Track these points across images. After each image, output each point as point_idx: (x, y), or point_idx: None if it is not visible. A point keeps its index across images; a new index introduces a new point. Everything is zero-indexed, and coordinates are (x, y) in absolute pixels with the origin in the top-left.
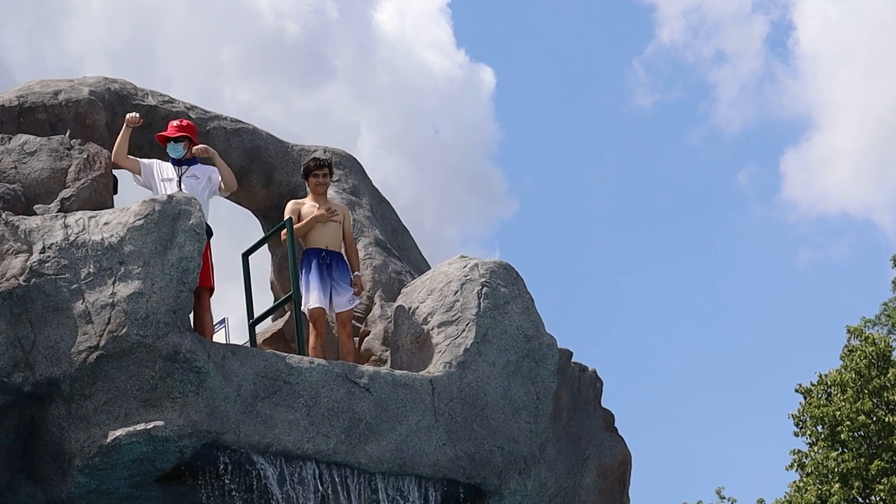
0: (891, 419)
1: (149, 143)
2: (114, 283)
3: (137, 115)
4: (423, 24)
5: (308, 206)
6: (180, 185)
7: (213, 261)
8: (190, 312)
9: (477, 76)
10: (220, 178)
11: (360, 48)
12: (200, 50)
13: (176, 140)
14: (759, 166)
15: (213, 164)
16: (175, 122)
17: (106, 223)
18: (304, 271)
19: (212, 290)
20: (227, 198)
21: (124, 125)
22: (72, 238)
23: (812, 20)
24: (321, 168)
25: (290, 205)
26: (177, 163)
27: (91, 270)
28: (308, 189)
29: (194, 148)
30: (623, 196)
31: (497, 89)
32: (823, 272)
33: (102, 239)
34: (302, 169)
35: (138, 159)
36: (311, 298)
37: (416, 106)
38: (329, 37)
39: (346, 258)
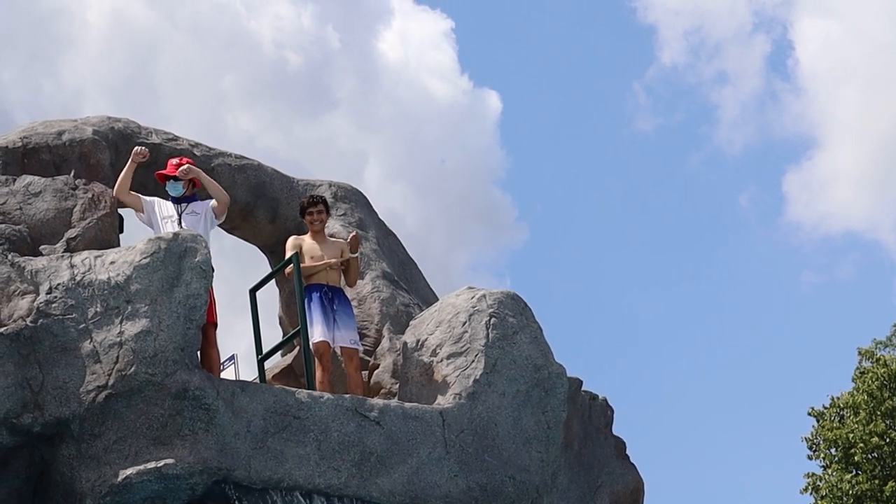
0: None
1: (153, 181)
2: (121, 322)
3: (145, 149)
4: (426, 50)
5: (308, 243)
6: (180, 222)
7: (215, 296)
8: (198, 349)
9: (482, 101)
10: (212, 202)
11: (362, 78)
12: (201, 79)
13: (175, 179)
14: (761, 188)
15: (201, 182)
16: (174, 160)
17: (112, 262)
18: (306, 306)
19: (216, 324)
20: (233, 233)
21: (129, 160)
22: (78, 278)
23: (812, 40)
24: (315, 205)
25: (291, 240)
26: (176, 201)
27: (98, 310)
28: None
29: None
30: (626, 222)
31: (503, 115)
32: (830, 293)
33: (109, 278)
34: (299, 207)
35: (140, 196)
36: (315, 332)
37: (421, 133)
38: (331, 67)
39: (346, 293)
